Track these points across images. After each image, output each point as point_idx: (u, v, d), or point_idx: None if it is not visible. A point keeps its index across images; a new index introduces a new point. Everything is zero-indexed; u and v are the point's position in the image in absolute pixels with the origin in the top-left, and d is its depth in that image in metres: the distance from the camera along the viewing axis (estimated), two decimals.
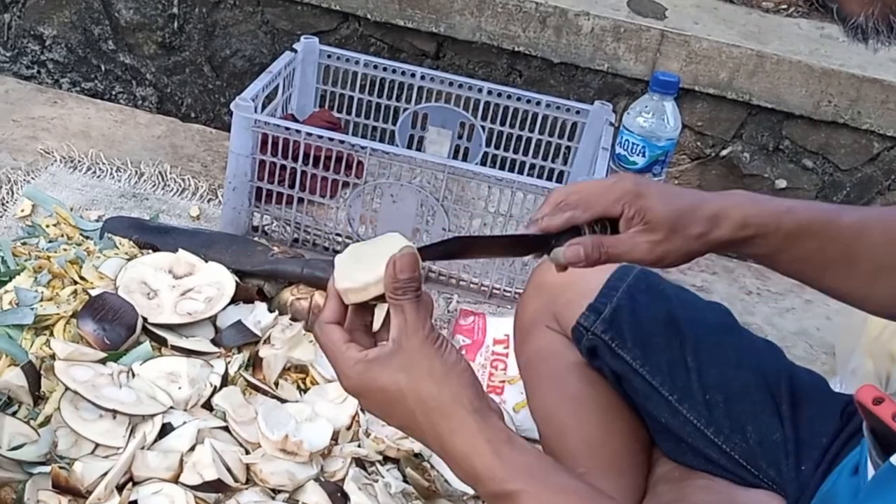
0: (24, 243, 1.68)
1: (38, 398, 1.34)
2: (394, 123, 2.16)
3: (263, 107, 1.92)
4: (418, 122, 2.17)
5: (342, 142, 1.77)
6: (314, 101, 2.17)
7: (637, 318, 1.22)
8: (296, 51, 2.06)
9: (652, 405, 1.21)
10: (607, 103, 2.06)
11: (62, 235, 1.73)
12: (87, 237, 1.74)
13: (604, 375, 1.25)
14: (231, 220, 1.88)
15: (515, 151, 2.14)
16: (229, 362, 1.46)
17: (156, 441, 1.30)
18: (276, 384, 1.46)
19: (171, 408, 1.35)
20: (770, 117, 2.37)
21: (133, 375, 1.39)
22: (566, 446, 1.23)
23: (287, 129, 1.78)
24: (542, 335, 1.32)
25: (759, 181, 2.44)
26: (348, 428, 1.38)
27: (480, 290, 1.88)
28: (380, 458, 1.36)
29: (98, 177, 2.01)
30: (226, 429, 1.35)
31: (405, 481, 1.34)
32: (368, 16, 2.37)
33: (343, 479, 1.31)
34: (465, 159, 2.14)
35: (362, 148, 1.76)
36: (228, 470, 1.27)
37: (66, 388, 1.31)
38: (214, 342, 1.50)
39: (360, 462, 1.35)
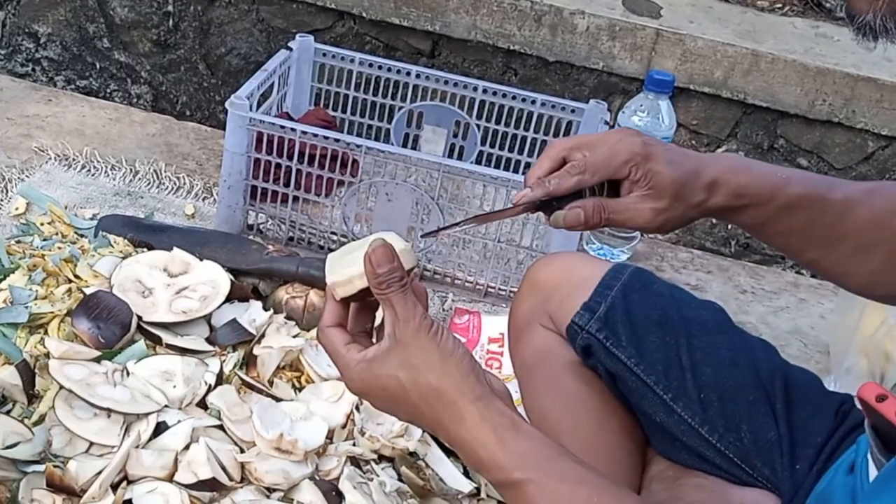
0: (18, 241, 1.68)
1: (33, 397, 1.34)
2: (389, 122, 2.16)
3: (258, 105, 1.92)
4: (413, 121, 2.17)
5: (337, 140, 1.77)
6: (309, 99, 2.17)
7: (631, 316, 1.22)
8: (291, 49, 2.06)
9: (646, 404, 1.21)
10: (602, 102, 2.06)
11: (56, 234, 1.73)
12: (82, 235, 1.74)
13: (598, 374, 1.26)
14: (226, 219, 1.87)
15: (511, 150, 2.14)
16: (224, 361, 1.46)
17: (150, 440, 1.30)
18: (271, 383, 1.45)
19: (166, 406, 1.35)
20: (765, 116, 2.38)
21: (127, 374, 1.38)
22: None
23: (282, 127, 1.78)
24: (536, 334, 1.32)
25: None
26: (343, 427, 1.38)
27: (475, 288, 1.88)
28: (375, 456, 1.36)
29: (93, 175, 2.01)
30: (220, 427, 1.35)
31: (400, 480, 1.33)
32: (364, 14, 2.37)
33: (338, 478, 1.30)
34: (460, 158, 2.14)
35: (357, 146, 1.76)
36: (223, 468, 1.27)
37: (61, 387, 1.30)
38: (209, 341, 1.49)
39: (354, 461, 1.35)
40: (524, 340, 1.34)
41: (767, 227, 1.08)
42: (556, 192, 1.03)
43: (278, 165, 1.81)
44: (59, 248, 1.65)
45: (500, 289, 1.88)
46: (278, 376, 1.47)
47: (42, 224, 1.75)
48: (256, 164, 1.82)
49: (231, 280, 1.58)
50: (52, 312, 1.46)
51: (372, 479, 1.31)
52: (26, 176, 1.95)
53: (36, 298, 1.48)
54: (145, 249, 1.67)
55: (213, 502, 1.25)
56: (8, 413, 1.30)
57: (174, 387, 1.38)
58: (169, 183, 2.03)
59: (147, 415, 1.32)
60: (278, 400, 1.41)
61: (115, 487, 1.22)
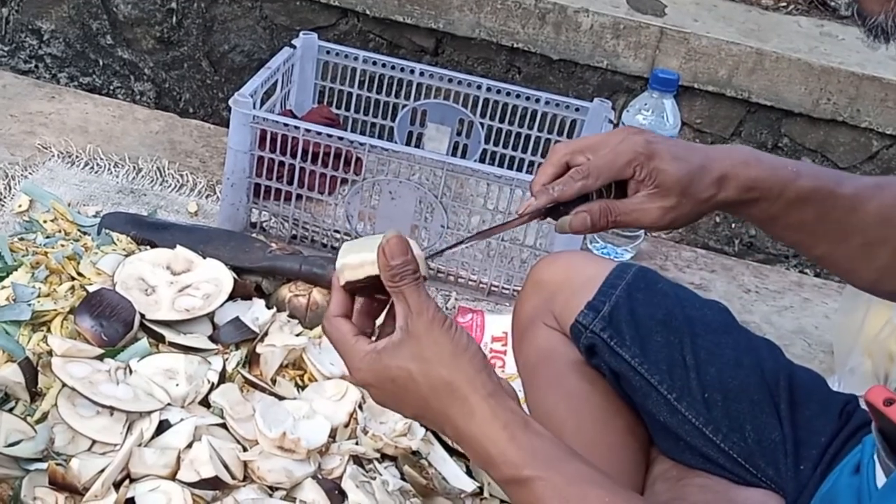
0: (21, 239, 1.68)
1: (35, 394, 1.34)
2: (392, 120, 2.16)
3: (262, 103, 1.92)
4: (417, 119, 2.17)
5: (341, 138, 1.76)
6: (313, 97, 2.17)
7: (636, 316, 1.22)
8: (294, 46, 2.06)
9: (650, 403, 1.20)
10: (606, 100, 2.06)
11: (59, 231, 1.73)
12: (85, 233, 1.74)
13: (602, 374, 1.25)
14: (229, 217, 1.87)
15: (514, 148, 2.14)
16: (227, 359, 1.46)
17: (153, 438, 1.30)
18: (274, 381, 1.45)
19: (169, 404, 1.35)
20: (769, 115, 2.37)
21: (130, 372, 1.38)
22: None
23: (286, 125, 1.77)
24: (540, 333, 1.32)
25: None
26: (346, 425, 1.38)
27: (479, 287, 1.88)
28: (377, 455, 1.36)
29: (96, 172, 2.01)
30: (223, 426, 1.35)
31: (403, 479, 1.33)
32: (367, 11, 2.36)
33: (341, 477, 1.30)
34: (463, 156, 2.14)
35: (361, 144, 1.76)
36: (226, 467, 1.27)
37: (63, 385, 1.30)
38: (212, 339, 1.49)
39: (357, 460, 1.35)
40: (528, 339, 1.34)
41: (777, 222, 1.07)
42: (560, 199, 1.02)
43: (281, 163, 1.81)
44: (63, 245, 1.65)
45: (503, 287, 1.87)
46: (281, 375, 1.47)
47: (45, 221, 1.75)
48: (260, 162, 1.82)
49: (234, 278, 1.58)
50: (55, 310, 1.46)
51: (375, 478, 1.31)
52: (29, 173, 1.95)
53: (39, 296, 1.48)
54: (148, 247, 1.67)
55: (215, 501, 1.25)
56: (10, 411, 1.30)
57: (177, 385, 1.38)
58: (172, 180, 2.03)
59: (150, 413, 1.32)
60: (281, 398, 1.40)
61: (117, 486, 1.22)
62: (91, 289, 1.50)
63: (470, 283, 1.88)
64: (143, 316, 1.48)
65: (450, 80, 2.10)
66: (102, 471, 1.22)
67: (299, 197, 1.86)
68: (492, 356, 1.66)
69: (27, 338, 1.42)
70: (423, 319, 0.86)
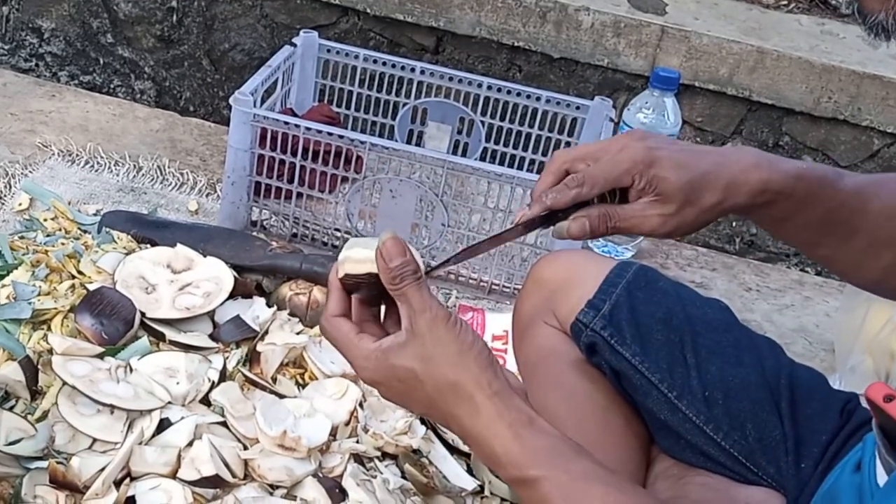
0: (21, 237, 1.68)
1: (36, 393, 1.33)
2: (393, 118, 2.16)
3: (262, 101, 1.92)
4: (418, 117, 2.17)
5: (341, 136, 1.76)
6: (313, 95, 2.17)
7: (636, 314, 1.22)
8: (295, 45, 2.06)
9: (651, 402, 1.20)
10: (607, 99, 2.06)
11: (60, 229, 1.73)
12: (85, 231, 1.74)
13: (603, 372, 1.25)
14: (229, 215, 1.87)
15: (515, 147, 2.14)
16: (227, 357, 1.46)
17: (154, 436, 1.30)
18: (275, 379, 1.45)
19: (169, 403, 1.35)
20: (770, 113, 2.37)
21: (131, 370, 1.38)
22: None
23: (286, 123, 1.77)
24: (540, 331, 1.32)
25: None
26: (347, 424, 1.38)
27: (479, 285, 1.88)
28: (378, 454, 1.36)
29: (96, 171, 2.00)
30: (224, 424, 1.34)
31: (404, 477, 1.33)
32: (368, 10, 2.36)
33: (341, 475, 1.30)
34: (464, 154, 2.14)
35: (361, 143, 1.76)
36: (226, 465, 1.27)
37: (64, 383, 1.30)
38: (212, 337, 1.49)
39: (358, 458, 1.35)
40: (528, 338, 1.34)
41: (787, 223, 1.05)
42: (554, 207, 0.99)
43: (282, 161, 1.81)
44: (63, 243, 1.65)
45: (504, 286, 1.87)
46: (282, 373, 1.47)
47: (45, 220, 1.75)
48: (260, 161, 1.82)
49: (234, 276, 1.58)
50: (56, 308, 1.46)
51: (375, 477, 1.31)
52: (30, 171, 1.95)
53: (39, 294, 1.48)
54: (149, 245, 1.66)
55: (216, 499, 1.25)
56: (11, 409, 1.30)
57: (177, 383, 1.38)
58: (172, 179, 2.02)
59: (150, 411, 1.32)
60: (282, 397, 1.40)
61: (118, 484, 1.22)
62: (91, 287, 1.50)
63: (471, 281, 1.88)
64: (143, 314, 1.48)
65: (450, 79, 2.09)
66: (103, 469, 1.21)
67: (300, 195, 1.86)
68: None
69: (27, 336, 1.42)
70: (427, 318, 0.86)
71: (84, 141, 2.09)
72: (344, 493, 1.27)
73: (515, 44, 2.34)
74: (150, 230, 1.71)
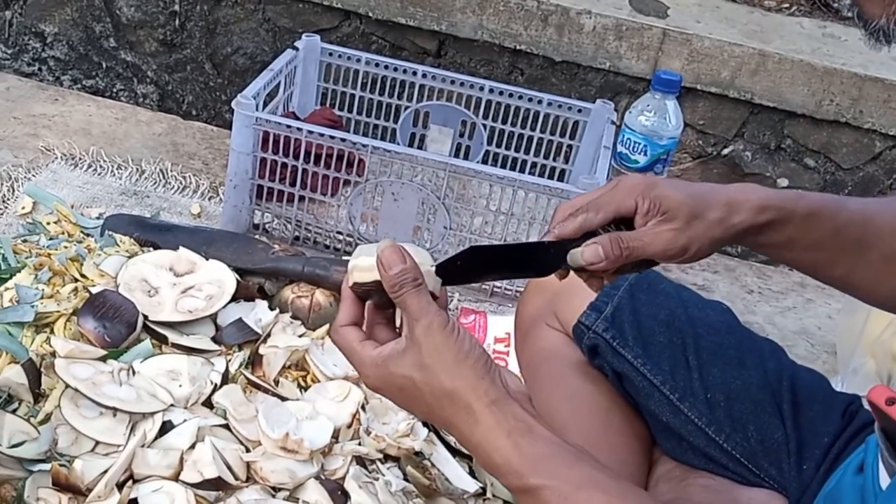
0: (24, 241, 1.68)
1: (39, 396, 1.34)
2: (395, 121, 2.16)
3: (265, 105, 1.92)
4: (420, 121, 2.17)
5: (343, 140, 1.77)
6: (315, 99, 2.17)
7: (638, 316, 1.22)
8: (297, 49, 2.06)
9: (653, 404, 1.21)
10: (609, 102, 2.06)
11: (63, 233, 1.73)
12: (88, 235, 1.74)
13: (605, 374, 1.25)
14: (232, 218, 1.87)
15: (517, 150, 2.14)
16: (230, 360, 1.46)
17: (156, 439, 1.30)
18: (277, 382, 1.45)
19: (172, 405, 1.35)
20: (772, 116, 2.37)
21: (133, 373, 1.38)
22: None
23: (288, 126, 1.78)
24: (543, 334, 1.32)
25: (760, 180, 2.44)
26: (349, 426, 1.38)
27: (481, 288, 1.88)
28: (380, 456, 1.36)
29: (99, 174, 2.01)
30: (226, 427, 1.35)
31: (406, 480, 1.33)
32: (370, 14, 2.37)
33: (343, 478, 1.30)
34: (466, 158, 2.14)
35: (363, 146, 1.76)
36: (229, 468, 1.27)
37: (67, 386, 1.30)
38: (215, 340, 1.49)
39: (360, 460, 1.35)
40: (530, 340, 1.34)
41: (796, 244, 1.04)
42: (562, 236, 0.98)
43: (284, 165, 1.81)
44: (66, 247, 1.65)
45: (506, 289, 1.87)
46: (284, 376, 1.47)
47: (48, 223, 1.75)
48: (262, 164, 1.82)
49: (237, 279, 1.58)
50: (58, 311, 1.46)
51: (377, 479, 1.31)
52: (33, 175, 1.96)
53: (42, 297, 1.48)
54: (151, 249, 1.67)
55: (218, 501, 1.25)
56: (14, 412, 1.30)
57: (180, 386, 1.38)
58: (175, 182, 2.03)
59: (153, 414, 1.32)
60: (284, 399, 1.40)
61: (120, 486, 1.22)
62: (94, 290, 1.50)
63: (472, 284, 1.88)
64: (146, 317, 1.48)
65: (452, 82, 2.10)
66: (106, 472, 1.22)
67: (302, 198, 1.86)
68: (494, 357, 1.65)
69: (30, 339, 1.42)
70: (423, 325, 0.86)
71: (87, 145, 2.09)
72: (346, 496, 1.27)
73: (517, 47, 2.34)
74: (152, 233, 1.71)
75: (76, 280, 1.56)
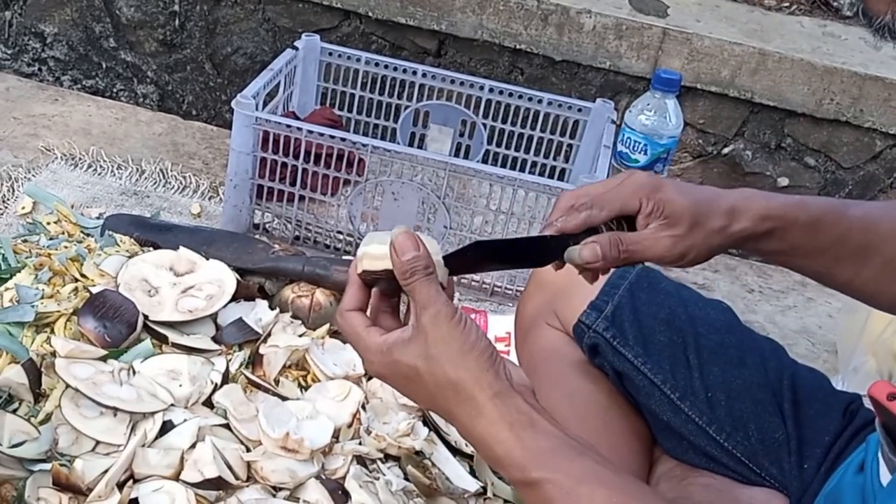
0: (24, 241, 1.68)
1: (39, 395, 1.34)
2: (395, 121, 2.16)
3: (265, 104, 1.92)
4: (420, 120, 2.17)
5: (343, 139, 1.77)
6: (315, 98, 2.17)
7: (639, 315, 1.22)
8: (297, 48, 2.06)
9: (654, 403, 1.21)
10: (609, 101, 2.06)
11: (63, 233, 1.73)
12: (88, 235, 1.74)
13: (605, 373, 1.25)
14: (232, 218, 1.87)
15: (517, 149, 2.14)
16: (230, 360, 1.46)
17: (156, 438, 1.30)
18: (277, 382, 1.45)
19: (172, 405, 1.35)
20: (772, 115, 2.37)
21: (134, 373, 1.38)
22: None
23: (288, 126, 1.77)
24: (543, 333, 1.32)
25: (760, 179, 2.44)
26: (349, 426, 1.38)
27: (482, 287, 1.88)
28: (381, 455, 1.36)
29: (99, 174, 2.01)
30: (226, 426, 1.35)
31: (406, 479, 1.33)
32: (370, 13, 2.36)
33: (344, 477, 1.30)
34: (466, 157, 2.14)
35: (363, 145, 1.76)
36: (229, 467, 1.27)
37: (67, 386, 1.30)
38: (215, 340, 1.49)
39: (361, 460, 1.35)
40: (531, 339, 1.34)
41: (798, 251, 1.05)
42: (565, 230, 0.99)
43: (284, 165, 1.81)
44: (66, 247, 1.65)
45: (506, 288, 1.87)
46: (284, 375, 1.47)
47: (48, 223, 1.75)
48: (262, 164, 1.82)
49: (237, 279, 1.58)
50: (59, 311, 1.46)
51: (378, 478, 1.31)
52: (33, 175, 1.96)
53: (42, 297, 1.48)
54: (151, 248, 1.67)
55: (218, 501, 1.25)
56: (14, 412, 1.30)
57: (180, 386, 1.38)
58: (175, 182, 2.03)
59: (153, 413, 1.32)
60: (284, 399, 1.40)
61: (121, 486, 1.22)
62: (94, 290, 1.50)
63: (473, 283, 1.88)
64: (146, 317, 1.48)
65: (452, 82, 2.10)
66: (106, 471, 1.21)
67: (302, 198, 1.86)
68: None
69: (31, 339, 1.42)
70: (430, 314, 0.86)
71: (87, 145, 2.09)
72: (347, 495, 1.27)
73: (517, 46, 2.34)
74: (152, 233, 1.71)
75: (76, 280, 1.56)
